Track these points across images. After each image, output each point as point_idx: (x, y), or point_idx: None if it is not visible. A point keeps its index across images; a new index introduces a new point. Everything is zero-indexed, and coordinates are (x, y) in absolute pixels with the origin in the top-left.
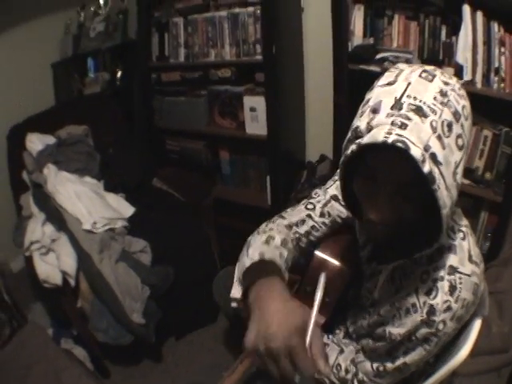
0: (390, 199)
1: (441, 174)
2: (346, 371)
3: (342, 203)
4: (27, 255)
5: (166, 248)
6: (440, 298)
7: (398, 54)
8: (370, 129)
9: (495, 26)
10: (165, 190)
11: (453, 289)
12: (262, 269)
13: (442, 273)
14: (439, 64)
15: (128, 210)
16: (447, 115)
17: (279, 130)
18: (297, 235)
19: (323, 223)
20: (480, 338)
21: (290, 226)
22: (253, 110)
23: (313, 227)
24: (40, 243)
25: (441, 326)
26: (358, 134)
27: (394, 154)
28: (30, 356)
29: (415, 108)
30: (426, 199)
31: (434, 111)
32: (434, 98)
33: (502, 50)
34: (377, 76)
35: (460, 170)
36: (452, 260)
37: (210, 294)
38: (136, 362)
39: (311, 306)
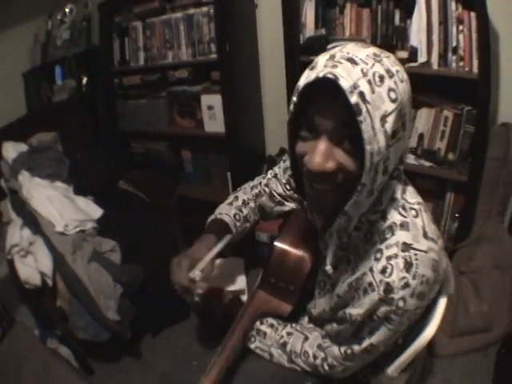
0: (328, 146)
1: (368, 111)
2: (315, 357)
3: (279, 181)
4: (9, 259)
5: (134, 247)
6: (396, 276)
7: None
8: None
9: (452, 5)
10: (131, 192)
11: (409, 265)
12: (210, 225)
13: (395, 250)
14: (393, 49)
15: (97, 211)
16: (379, 69)
17: (237, 126)
18: (253, 196)
19: (264, 191)
20: (458, 319)
21: (251, 188)
22: (210, 108)
23: (258, 193)
24: (19, 246)
25: (401, 304)
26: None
27: (329, 96)
28: (20, 355)
29: (347, 58)
30: (360, 148)
31: (365, 62)
32: (367, 55)
33: (461, 27)
34: None
35: (390, 121)
36: (405, 237)
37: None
38: (117, 359)
39: (275, 296)
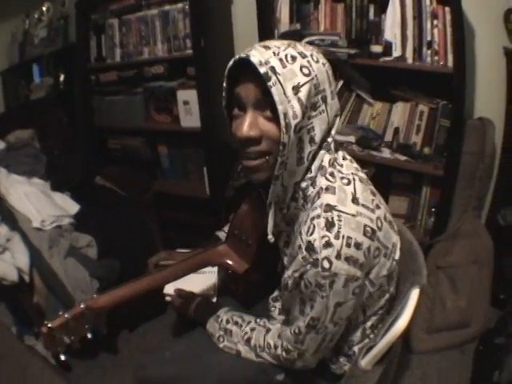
0: (253, 116)
1: (278, 80)
2: (275, 347)
3: None
4: None
5: (110, 242)
6: (317, 234)
7: (324, 37)
8: None
9: (426, 0)
10: (107, 187)
11: (330, 224)
12: (209, 239)
13: (318, 211)
14: (367, 43)
15: (73, 207)
16: (291, 51)
17: (213, 120)
18: None
19: None
20: (435, 315)
21: None
22: (186, 103)
23: None
24: None
25: (326, 265)
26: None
27: (248, 74)
28: None
29: (262, 45)
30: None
31: (278, 47)
32: (281, 43)
33: (435, 22)
34: None
35: (304, 91)
36: (329, 199)
37: None
38: (93, 355)
39: (235, 251)
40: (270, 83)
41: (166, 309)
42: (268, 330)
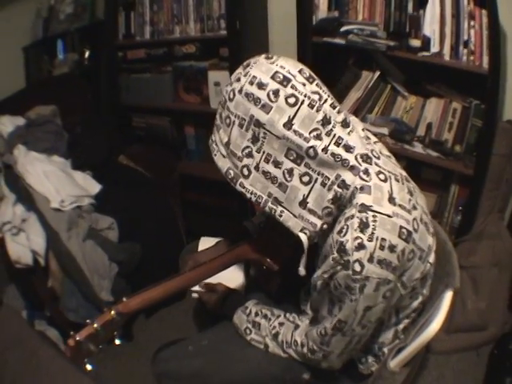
0: None
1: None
2: (302, 345)
3: None
4: None
5: (132, 224)
6: (350, 235)
7: (363, 26)
8: None
9: (464, 0)
10: (131, 167)
11: (364, 225)
12: (235, 231)
13: (353, 211)
14: (406, 36)
15: (95, 187)
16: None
17: None
18: None
19: None
20: (455, 315)
21: None
22: (217, 84)
23: None
24: (11, 224)
25: (357, 267)
26: None
27: None
28: (6, 338)
29: None
30: None
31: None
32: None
33: (472, 23)
34: (340, 49)
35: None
36: (364, 199)
37: (177, 270)
38: (109, 342)
39: (269, 248)
40: None
41: (186, 293)
42: (296, 327)
